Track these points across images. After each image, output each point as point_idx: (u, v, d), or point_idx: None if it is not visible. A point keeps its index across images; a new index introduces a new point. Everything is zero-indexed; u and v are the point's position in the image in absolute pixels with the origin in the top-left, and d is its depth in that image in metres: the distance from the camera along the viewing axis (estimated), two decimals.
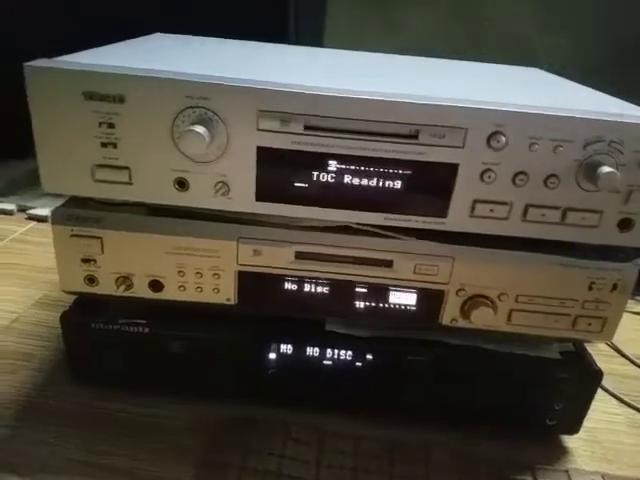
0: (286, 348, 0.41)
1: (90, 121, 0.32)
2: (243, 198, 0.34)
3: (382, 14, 0.96)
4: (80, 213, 0.36)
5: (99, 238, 0.36)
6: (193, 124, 0.31)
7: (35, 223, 0.70)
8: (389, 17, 0.96)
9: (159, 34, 0.53)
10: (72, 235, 0.36)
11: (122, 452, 0.38)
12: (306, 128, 0.32)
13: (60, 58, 0.33)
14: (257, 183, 0.34)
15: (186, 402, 0.42)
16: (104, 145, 0.33)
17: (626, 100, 0.40)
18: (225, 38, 0.55)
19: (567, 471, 0.40)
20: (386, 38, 0.97)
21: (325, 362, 0.41)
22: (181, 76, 0.32)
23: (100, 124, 0.32)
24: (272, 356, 0.41)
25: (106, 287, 0.38)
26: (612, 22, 0.88)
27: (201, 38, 0.54)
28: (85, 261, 0.37)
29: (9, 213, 0.73)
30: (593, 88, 0.45)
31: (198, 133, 0.31)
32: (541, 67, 0.57)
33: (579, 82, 0.47)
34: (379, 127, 0.32)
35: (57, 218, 0.36)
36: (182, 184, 0.34)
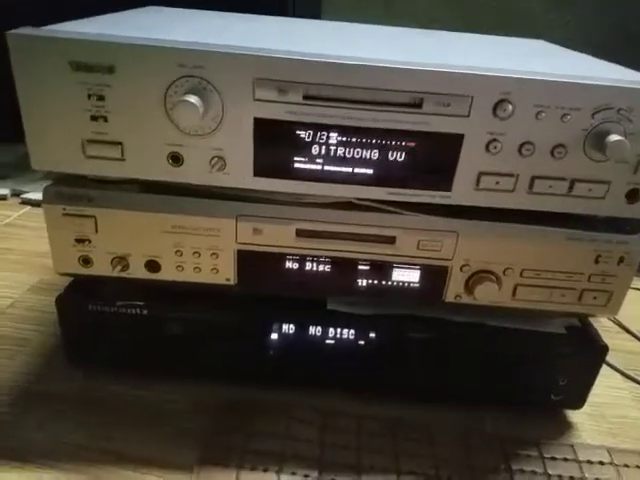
0: (287, 328, 0.40)
1: (78, 93, 0.31)
2: (240, 173, 0.33)
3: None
4: (72, 191, 0.35)
5: (92, 217, 0.35)
6: (186, 94, 0.30)
7: (29, 207, 0.69)
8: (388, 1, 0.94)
9: (151, 7, 0.51)
10: (64, 214, 0.35)
11: (122, 436, 0.38)
12: (305, 97, 0.31)
13: (45, 27, 0.32)
14: (255, 157, 0.33)
15: (186, 384, 0.42)
16: (94, 119, 0.31)
17: None
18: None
19: (572, 446, 0.40)
20: (385, 21, 0.94)
21: (327, 341, 0.40)
22: (174, 44, 0.30)
23: (89, 96, 0.31)
24: (273, 336, 0.40)
25: (101, 268, 0.37)
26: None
27: (195, 11, 0.52)
28: (79, 241, 0.36)
29: (3, 198, 0.72)
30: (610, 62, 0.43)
31: (191, 103, 0.29)
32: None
33: None
34: (381, 95, 0.31)
35: (48, 197, 0.35)
36: (176, 159, 0.33)
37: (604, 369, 0.46)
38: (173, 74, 0.30)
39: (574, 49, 0.49)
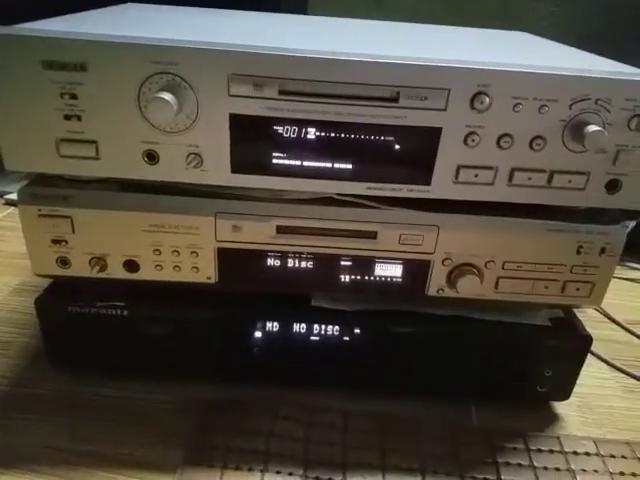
0: (271, 325, 0.40)
1: (51, 92, 0.30)
2: (218, 170, 0.33)
3: None
4: (47, 192, 0.34)
5: (69, 217, 0.35)
6: (160, 91, 0.29)
7: (12, 208, 0.68)
8: None
9: (128, 4, 0.51)
10: (40, 215, 0.35)
11: (105, 438, 0.37)
12: (281, 92, 0.31)
13: (15, 25, 0.31)
14: (232, 154, 0.32)
15: (169, 385, 0.41)
16: (67, 118, 0.31)
17: None
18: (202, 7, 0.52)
19: (558, 437, 0.40)
20: (372, 12, 0.94)
21: (312, 338, 0.40)
22: (146, 40, 0.30)
23: (62, 95, 0.30)
24: (257, 334, 0.40)
25: (80, 269, 0.36)
26: None
27: (173, 7, 0.51)
28: (56, 242, 0.35)
29: None
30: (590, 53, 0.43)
31: (165, 100, 0.29)
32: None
33: None
34: (357, 90, 0.31)
35: (23, 198, 0.34)
36: (152, 157, 0.32)
37: (590, 359, 0.46)
38: (146, 71, 0.30)
39: (559, 40, 0.49)
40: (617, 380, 0.47)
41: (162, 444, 0.37)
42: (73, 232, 0.35)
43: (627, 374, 0.47)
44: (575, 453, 0.39)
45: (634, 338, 0.52)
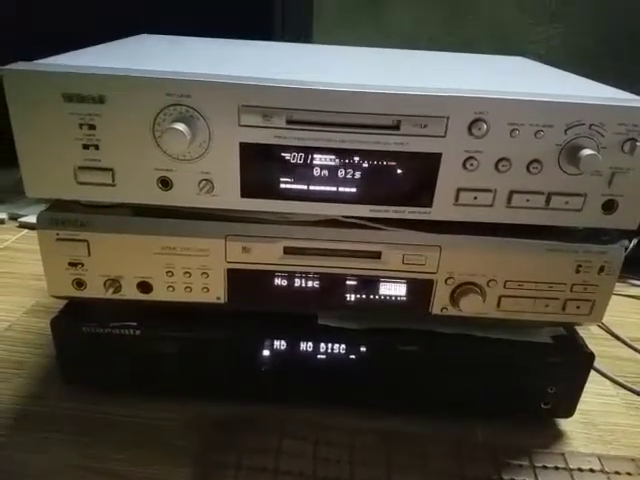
0: (279, 344, 0.41)
1: (71, 123, 0.32)
2: (228, 195, 0.34)
3: (370, 14, 0.96)
4: (65, 217, 0.36)
5: (85, 241, 0.36)
6: (174, 122, 0.31)
7: (27, 231, 0.70)
8: (377, 17, 0.96)
9: (144, 35, 0.53)
10: (58, 239, 0.36)
11: (118, 456, 0.38)
12: (288, 122, 0.32)
13: (38, 61, 0.33)
14: (241, 179, 0.34)
15: (180, 403, 0.42)
16: (86, 147, 0.33)
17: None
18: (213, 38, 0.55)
19: (563, 454, 0.40)
20: (375, 38, 0.96)
21: (319, 356, 0.41)
22: (160, 74, 0.32)
23: (81, 126, 0.32)
24: (265, 353, 0.41)
25: (94, 290, 0.38)
26: (606, 12, 0.88)
27: (186, 38, 0.54)
28: (72, 265, 0.37)
29: (0, 222, 0.73)
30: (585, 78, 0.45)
31: (179, 131, 0.30)
32: (531, 57, 0.57)
33: (571, 72, 0.47)
34: (361, 119, 0.32)
35: (42, 222, 0.36)
36: (165, 183, 0.34)
37: (594, 376, 0.47)
38: (161, 103, 0.32)
39: (558, 61, 0.51)
40: (621, 397, 0.47)
41: (173, 462, 0.38)
42: (89, 255, 0.37)
43: (631, 391, 0.48)
44: (580, 470, 0.39)
45: (638, 355, 0.53)
